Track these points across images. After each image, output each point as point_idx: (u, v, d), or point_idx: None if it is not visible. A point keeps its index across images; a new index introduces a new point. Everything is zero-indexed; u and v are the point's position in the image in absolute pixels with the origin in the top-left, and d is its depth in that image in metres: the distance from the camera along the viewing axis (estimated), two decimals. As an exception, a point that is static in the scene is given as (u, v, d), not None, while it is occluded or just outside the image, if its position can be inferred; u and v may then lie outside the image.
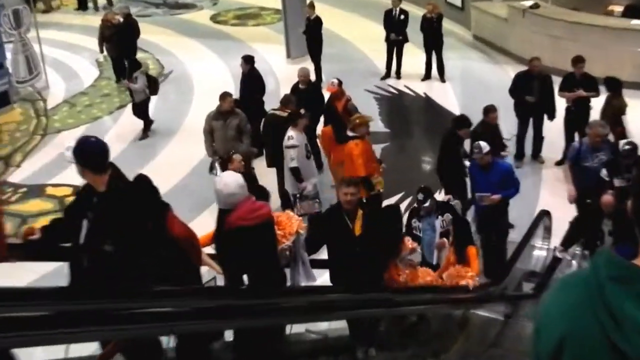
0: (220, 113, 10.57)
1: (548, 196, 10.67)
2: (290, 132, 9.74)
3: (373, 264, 6.08)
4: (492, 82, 14.59)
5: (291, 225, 5.66)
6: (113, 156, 4.44)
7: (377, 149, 12.06)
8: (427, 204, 7.86)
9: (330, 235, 6.30)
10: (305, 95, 11.69)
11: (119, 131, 14.07)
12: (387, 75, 15.73)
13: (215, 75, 16.06)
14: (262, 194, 7.51)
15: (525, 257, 8.90)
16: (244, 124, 10.58)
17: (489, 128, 10.01)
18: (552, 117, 11.57)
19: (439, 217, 7.92)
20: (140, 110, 13.54)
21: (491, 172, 8.72)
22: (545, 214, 9.36)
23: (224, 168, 10.04)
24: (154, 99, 13.94)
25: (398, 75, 15.72)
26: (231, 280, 5.20)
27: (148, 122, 13.69)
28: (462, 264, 7.33)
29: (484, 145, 8.67)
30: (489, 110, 10.16)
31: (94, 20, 19.00)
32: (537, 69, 11.44)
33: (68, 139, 13.00)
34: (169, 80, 16.31)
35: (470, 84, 15.25)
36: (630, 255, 1.73)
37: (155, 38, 18.61)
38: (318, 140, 11.49)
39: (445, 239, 7.75)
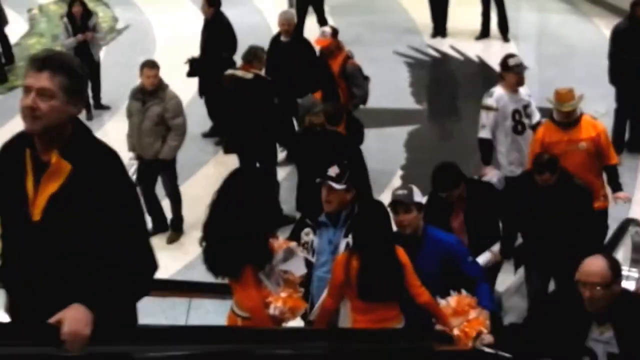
0: (142, 91, 8.84)
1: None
2: (496, 89, 8.17)
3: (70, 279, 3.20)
4: (578, 42, 13.48)
5: None
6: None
7: (402, 132, 10.96)
8: (337, 186, 5.62)
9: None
10: (289, 51, 10.19)
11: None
12: (437, 31, 14.38)
13: (188, 31, 14.19)
14: None
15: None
16: (172, 116, 8.73)
17: None
18: None
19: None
20: (98, 74, 12.11)
21: (421, 251, 5.58)
22: (633, 224, 7.49)
23: (146, 172, 8.92)
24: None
25: (443, 32, 14.32)
26: None
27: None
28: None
29: (405, 194, 5.63)
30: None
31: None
32: None
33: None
34: (121, 40, 15.22)
35: (546, 44, 13.90)
36: None
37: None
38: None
39: None
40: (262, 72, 9.30)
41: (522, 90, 8.15)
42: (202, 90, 10.89)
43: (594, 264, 4.41)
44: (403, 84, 12.42)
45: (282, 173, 9.72)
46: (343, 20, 14.42)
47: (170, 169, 8.96)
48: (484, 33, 13.86)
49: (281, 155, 9.96)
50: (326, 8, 14.99)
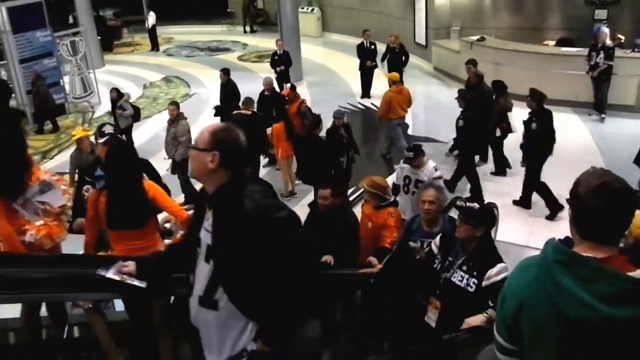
0: (170, 120, 9.06)
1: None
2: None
3: None
4: (445, 102, 12.94)
5: None
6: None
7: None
8: (101, 140, 4.10)
9: None
10: (270, 100, 10.36)
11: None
12: (364, 95, 14.25)
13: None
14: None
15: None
16: (180, 135, 8.65)
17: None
18: None
19: (92, 187, 4.05)
20: (126, 136, 10.90)
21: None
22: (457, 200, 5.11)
23: (173, 168, 8.67)
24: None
25: (368, 95, 14.29)
26: None
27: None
28: None
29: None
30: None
31: (152, 59, 19.19)
32: None
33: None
34: (190, 100, 15.08)
35: (427, 103, 13.88)
36: (570, 245, 1.80)
37: (194, 71, 17.79)
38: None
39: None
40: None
41: (428, 172, 5.97)
42: (222, 125, 11.07)
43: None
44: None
45: (262, 172, 9.71)
46: (315, 89, 14.59)
47: (181, 167, 8.35)
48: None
49: (264, 161, 10.00)
50: (305, 82, 15.22)
